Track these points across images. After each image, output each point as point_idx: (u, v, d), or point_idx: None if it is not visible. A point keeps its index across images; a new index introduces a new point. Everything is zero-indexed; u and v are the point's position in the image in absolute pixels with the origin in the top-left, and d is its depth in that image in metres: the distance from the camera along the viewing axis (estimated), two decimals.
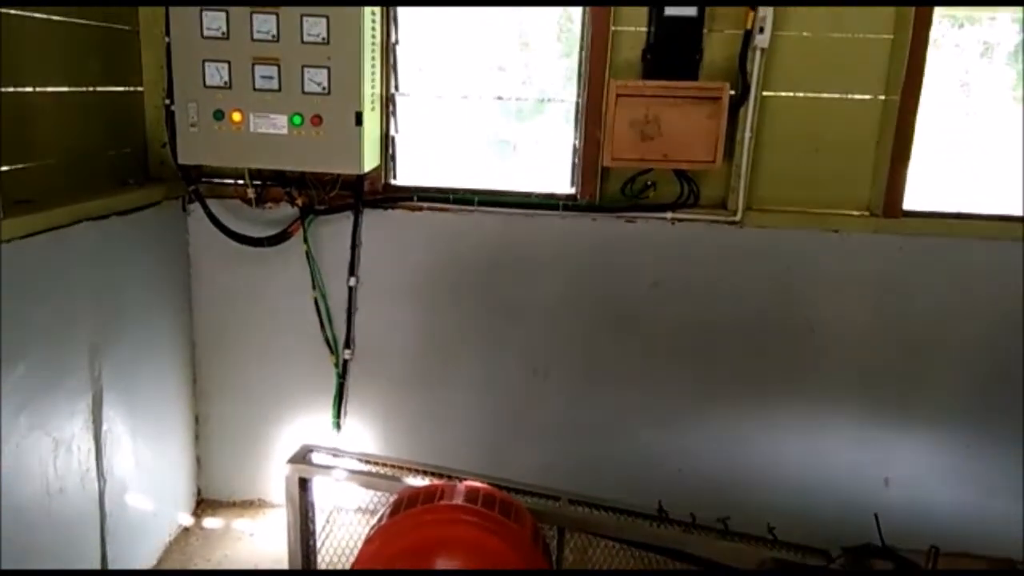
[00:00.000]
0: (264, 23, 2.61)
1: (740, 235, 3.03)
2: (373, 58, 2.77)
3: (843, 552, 2.17)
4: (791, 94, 2.97)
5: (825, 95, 2.98)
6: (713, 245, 3.06)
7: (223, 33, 2.62)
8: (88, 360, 2.53)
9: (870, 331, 3.11)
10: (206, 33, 2.63)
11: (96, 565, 2.63)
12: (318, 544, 2.72)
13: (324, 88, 2.65)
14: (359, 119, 2.68)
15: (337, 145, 2.71)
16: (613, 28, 2.90)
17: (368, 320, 3.21)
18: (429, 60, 3.13)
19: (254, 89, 2.67)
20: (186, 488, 3.32)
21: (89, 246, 2.52)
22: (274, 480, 3.31)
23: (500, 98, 3.14)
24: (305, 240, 3.09)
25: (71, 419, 2.47)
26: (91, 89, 2.73)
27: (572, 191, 3.10)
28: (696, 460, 3.24)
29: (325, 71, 2.64)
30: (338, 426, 3.26)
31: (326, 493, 2.78)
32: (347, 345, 3.21)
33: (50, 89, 2.52)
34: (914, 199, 3.00)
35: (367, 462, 2.60)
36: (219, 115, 2.69)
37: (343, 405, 3.26)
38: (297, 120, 2.68)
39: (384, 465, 2.57)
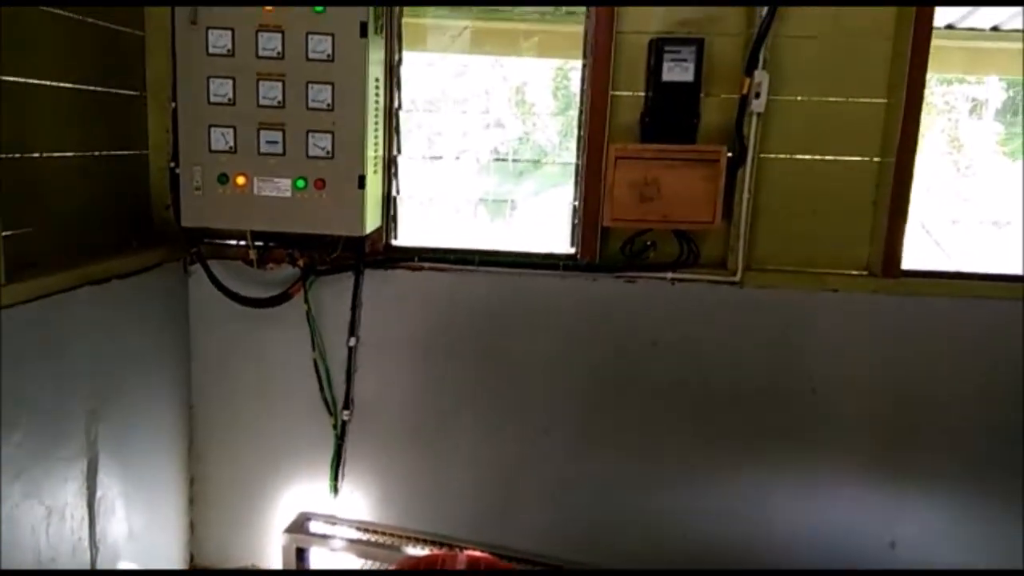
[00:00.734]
0: (271, 89, 2.65)
1: (740, 295, 3.04)
2: (376, 122, 2.82)
3: None
4: (788, 156, 3.02)
5: (821, 157, 3.02)
6: (713, 304, 3.06)
7: (229, 99, 2.67)
8: (85, 426, 2.50)
9: (870, 390, 3.09)
10: (213, 99, 2.67)
11: None
12: None
13: (328, 152, 2.69)
14: (362, 182, 2.71)
15: (340, 208, 2.73)
16: (612, 93, 2.96)
17: (368, 380, 3.18)
18: (429, 121, 3.18)
19: (259, 153, 2.70)
20: (178, 554, 3.24)
21: (89, 310, 2.51)
22: (269, 546, 3.23)
23: (499, 159, 3.18)
24: (306, 300, 3.08)
25: (65, 486, 2.42)
26: (97, 153, 2.76)
27: (572, 251, 3.12)
28: (697, 522, 3.18)
29: (329, 136, 2.68)
30: (335, 490, 3.20)
31: (324, 562, 2.72)
32: (346, 406, 3.18)
33: (57, 154, 2.55)
34: (913, 259, 3.01)
35: (365, 530, 2.55)
36: (223, 179, 2.72)
37: (341, 468, 3.21)
38: (301, 183, 2.71)
39: (383, 534, 2.53)
